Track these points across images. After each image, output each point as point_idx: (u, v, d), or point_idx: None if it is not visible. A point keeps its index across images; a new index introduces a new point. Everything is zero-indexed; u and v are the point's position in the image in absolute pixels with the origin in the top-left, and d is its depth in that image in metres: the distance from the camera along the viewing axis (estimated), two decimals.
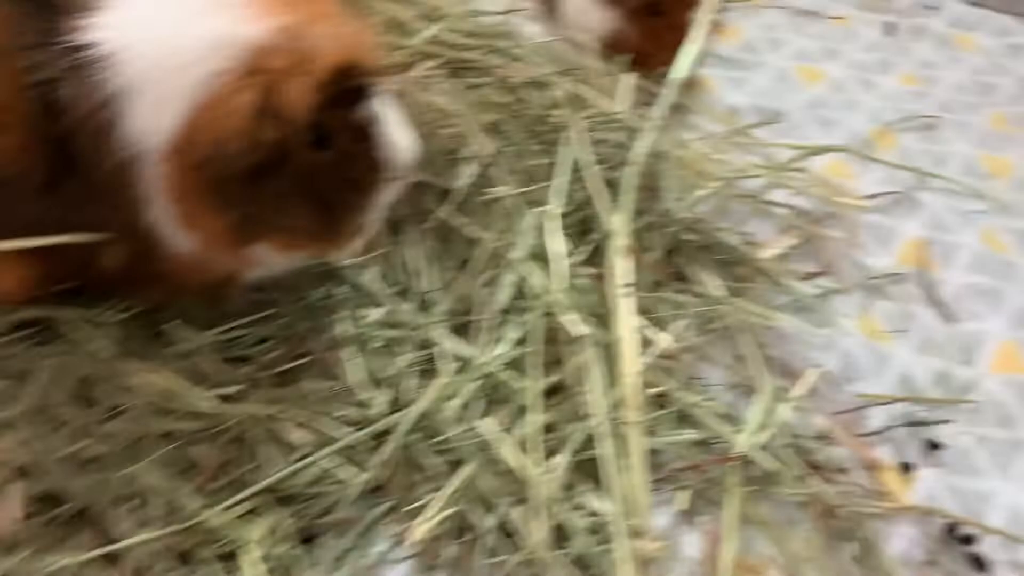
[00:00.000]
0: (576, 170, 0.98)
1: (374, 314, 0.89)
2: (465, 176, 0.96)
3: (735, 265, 1.01)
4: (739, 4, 1.44)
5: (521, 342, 0.88)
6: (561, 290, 0.90)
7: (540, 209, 0.94)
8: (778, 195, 1.11)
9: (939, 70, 1.41)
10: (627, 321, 0.87)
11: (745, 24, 1.43)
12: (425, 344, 0.88)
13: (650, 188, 1.00)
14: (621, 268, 0.91)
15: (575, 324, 0.87)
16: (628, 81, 1.09)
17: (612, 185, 0.98)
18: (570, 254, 0.93)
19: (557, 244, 0.92)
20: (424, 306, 0.91)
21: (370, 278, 0.92)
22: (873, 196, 1.15)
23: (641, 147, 0.99)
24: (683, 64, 1.06)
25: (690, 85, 1.23)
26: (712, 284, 0.98)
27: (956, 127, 1.29)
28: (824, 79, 1.35)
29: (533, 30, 1.22)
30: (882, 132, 1.26)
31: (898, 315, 1.03)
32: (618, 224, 0.93)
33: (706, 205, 1.06)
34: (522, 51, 1.11)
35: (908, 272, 1.07)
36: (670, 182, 1.02)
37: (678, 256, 1.00)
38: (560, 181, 0.96)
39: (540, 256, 0.92)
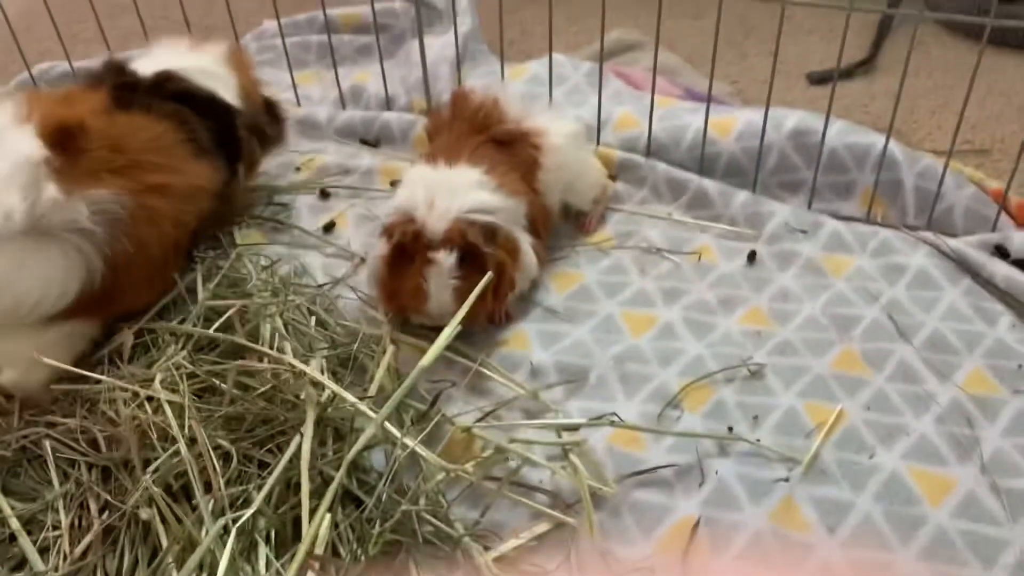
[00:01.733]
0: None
1: None
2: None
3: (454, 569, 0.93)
4: (587, 247, 1.42)
5: None
6: None
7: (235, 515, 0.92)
8: (539, 476, 1.03)
9: (793, 303, 1.29)
10: None
11: (588, 270, 1.38)
12: None
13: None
14: None
15: None
16: (385, 360, 1.08)
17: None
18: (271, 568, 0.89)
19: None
20: None
21: None
22: (647, 471, 1.03)
23: (356, 446, 0.95)
24: (438, 344, 1.03)
25: (498, 343, 1.23)
26: None
27: (788, 372, 1.17)
28: (653, 326, 1.26)
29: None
30: (696, 388, 1.15)
31: None
32: (313, 533, 0.88)
33: (454, 490, 1.01)
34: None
35: (664, 565, 0.93)
36: (412, 471, 0.98)
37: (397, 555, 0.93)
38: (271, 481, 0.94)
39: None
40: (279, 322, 1.10)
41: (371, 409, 0.98)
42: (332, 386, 0.98)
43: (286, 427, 1.00)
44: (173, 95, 1.21)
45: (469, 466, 0.99)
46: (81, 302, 1.02)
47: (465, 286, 1.15)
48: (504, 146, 1.32)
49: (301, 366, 1.01)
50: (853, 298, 1.30)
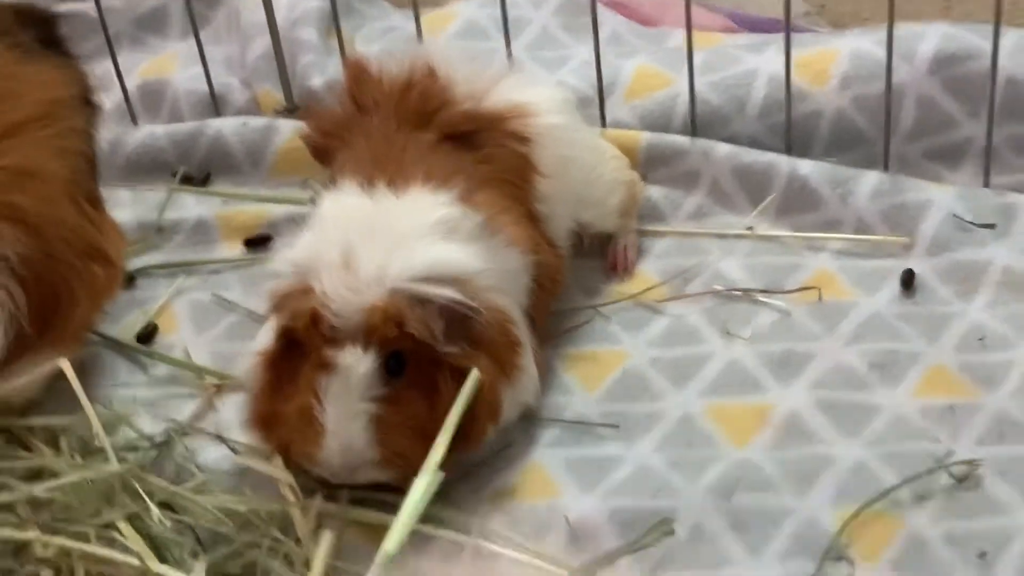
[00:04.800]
0: None
1: None
2: None
3: None
4: (623, 303, 1.43)
5: None
6: None
7: None
8: None
9: (999, 350, 1.31)
10: None
11: (632, 341, 1.39)
12: None
13: None
14: None
15: None
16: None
17: None
18: None
19: None
20: None
21: None
22: None
23: None
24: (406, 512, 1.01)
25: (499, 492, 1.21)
26: None
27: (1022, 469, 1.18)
28: (766, 423, 1.26)
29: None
30: (867, 520, 1.14)
31: None
32: None
33: None
34: None
35: None
36: None
37: None
38: None
39: None
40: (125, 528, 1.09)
41: None
42: None
43: None
44: None
45: None
46: None
47: (394, 416, 1.13)
48: (467, 143, 1.33)
49: None
50: None
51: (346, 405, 1.13)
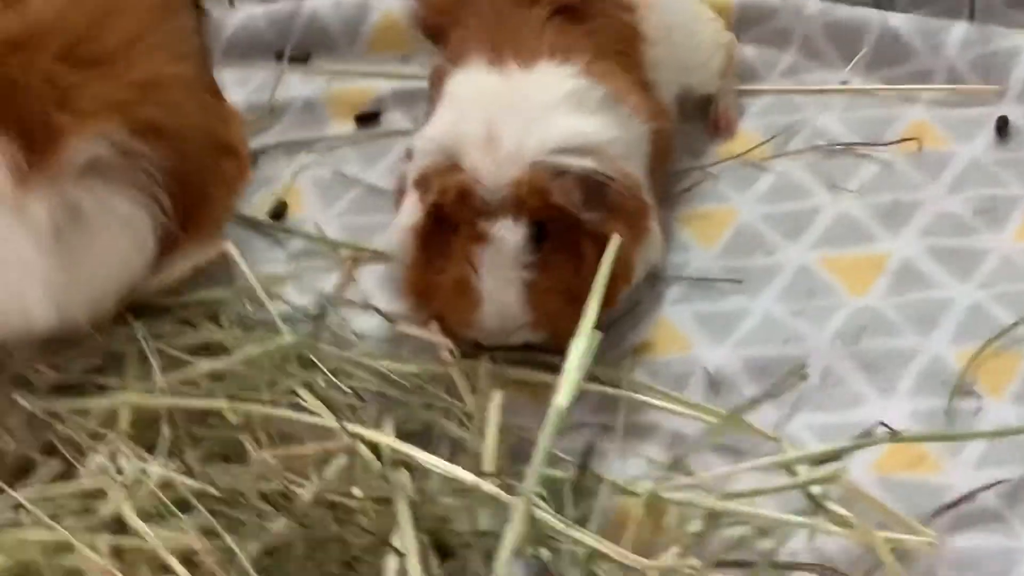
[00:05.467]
0: None
1: None
2: None
3: None
4: (727, 163, 1.49)
5: None
6: None
7: None
8: (794, 546, 1.09)
9: None
10: None
11: (741, 199, 1.44)
12: None
13: None
14: None
15: None
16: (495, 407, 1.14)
17: None
18: None
19: None
20: None
21: None
22: (959, 502, 1.11)
23: (503, 552, 1.00)
24: (571, 368, 1.08)
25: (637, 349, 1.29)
26: None
27: None
28: (882, 271, 1.33)
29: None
30: (989, 356, 1.23)
31: None
32: None
33: None
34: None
35: None
36: None
37: None
38: None
39: None
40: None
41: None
42: (436, 463, 1.04)
43: (358, 549, 1.06)
44: None
45: (671, 554, 1.05)
46: None
47: (543, 281, 1.19)
48: (576, 16, 1.35)
49: (376, 436, 1.07)
50: None
51: (501, 273, 1.19)
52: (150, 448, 1.13)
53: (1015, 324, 1.25)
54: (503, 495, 1.03)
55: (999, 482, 1.13)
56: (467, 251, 1.20)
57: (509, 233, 1.19)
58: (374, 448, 1.11)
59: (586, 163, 1.21)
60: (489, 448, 1.12)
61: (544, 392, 1.20)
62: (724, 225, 1.42)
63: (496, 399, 1.15)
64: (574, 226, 1.21)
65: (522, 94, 1.25)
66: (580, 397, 1.21)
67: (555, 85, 1.26)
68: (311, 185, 1.53)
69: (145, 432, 1.16)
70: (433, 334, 1.24)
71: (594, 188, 1.22)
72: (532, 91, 1.25)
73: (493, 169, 1.20)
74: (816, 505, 1.11)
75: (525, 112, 1.23)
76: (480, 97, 1.26)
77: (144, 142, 1.21)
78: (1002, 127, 1.47)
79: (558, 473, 1.13)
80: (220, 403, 1.15)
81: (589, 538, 1.04)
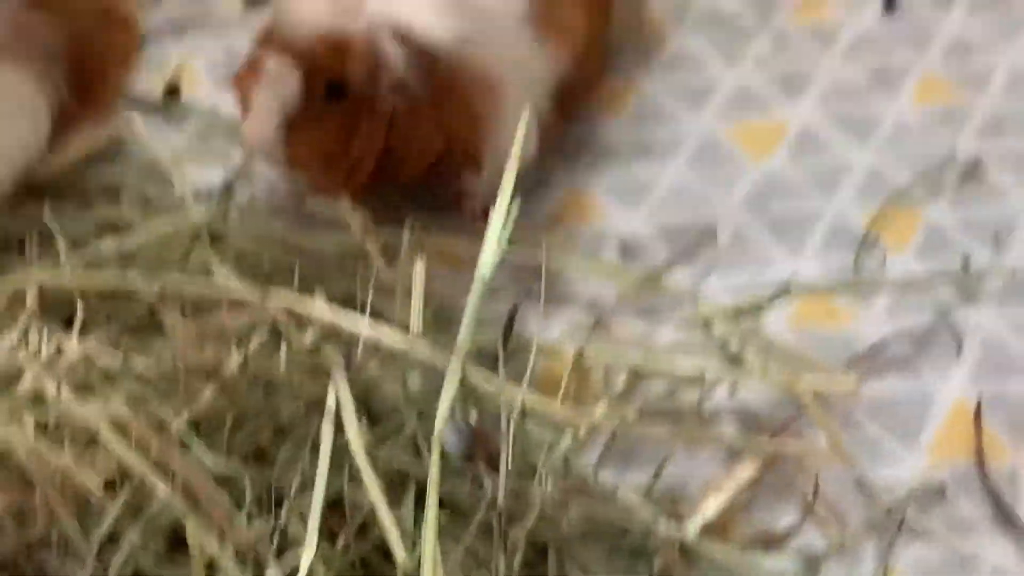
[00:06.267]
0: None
1: None
2: None
3: (644, 556, 1.02)
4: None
5: None
6: None
7: None
8: (714, 398, 1.12)
9: (982, 55, 1.43)
10: None
11: (640, 72, 1.45)
12: None
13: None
14: None
15: None
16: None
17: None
18: None
19: None
20: None
21: None
22: (873, 351, 1.16)
23: (441, 409, 1.00)
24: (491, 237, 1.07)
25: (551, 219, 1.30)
26: None
27: (1020, 162, 1.32)
28: (783, 137, 1.37)
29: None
30: (890, 214, 1.28)
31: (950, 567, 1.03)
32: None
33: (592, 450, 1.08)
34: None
35: (957, 473, 1.07)
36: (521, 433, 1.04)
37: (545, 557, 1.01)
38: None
39: None
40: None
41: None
42: (367, 327, 1.03)
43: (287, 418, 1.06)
44: None
45: (601, 408, 1.07)
46: None
47: (306, 132, 1.19)
48: None
49: (306, 304, 1.06)
50: None
51: (264, 101, 1.19)
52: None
53: (912, 185, 1.30)
54: (436, 357, 1.04)
55: (907, 332, 1.17)
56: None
57: (279, 72, 1.18)
58: (298, 318, 1.10)
59: (412, 46, 1.19)
60: (416, 312, 1.11)
61: (459, 261, 1.24)
62: (627, 97, 1.43)
63: (420, 266, 1.14)
64: (369, 98, 1.19)
65: None
66: (501, 265, 1.23)
67: None
68: (203, 65, 1.49)
69: (54, 315, 1.13)
70: (345, 208, 1.23)
71: (424, 61, 1.19)
72: None
73: (314, 14, 1.19)
74: (735, 359, 1.15)
75: None
76: None
77: (35, 15, 1.17)
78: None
79: (485, 337, 1.14)
80: (134, 278, 1.12)
81: (523, 395, 1.05)
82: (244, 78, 1.23)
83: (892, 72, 1.43)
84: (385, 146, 1.21)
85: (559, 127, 1.33)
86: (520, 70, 1.28)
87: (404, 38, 1.18)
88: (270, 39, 1.21)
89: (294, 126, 1.19)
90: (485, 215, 1.22)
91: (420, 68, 1.19)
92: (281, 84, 1.18)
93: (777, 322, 1.19)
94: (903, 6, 1.51)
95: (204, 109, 1.42)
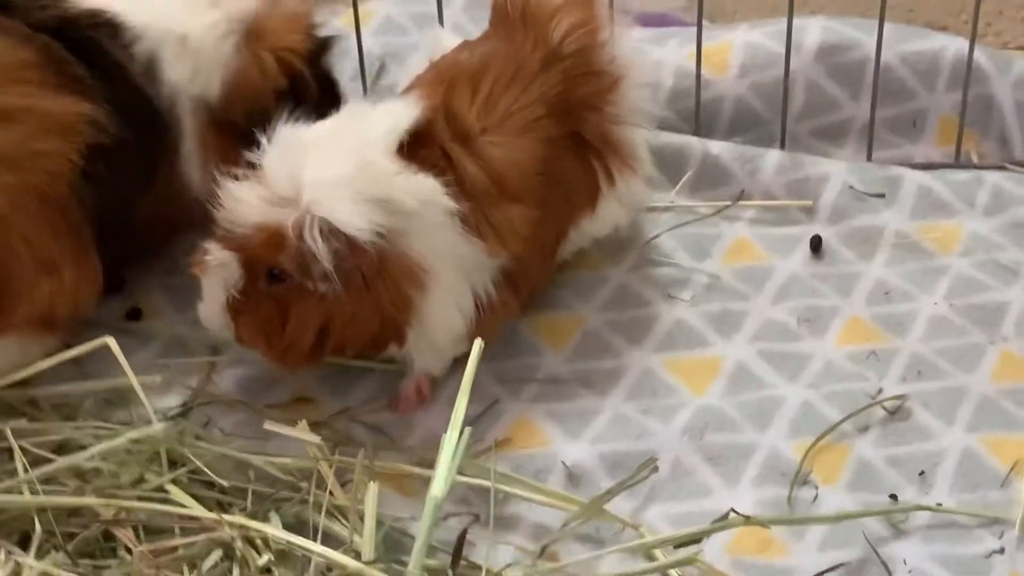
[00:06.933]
0: None
1: None
2: None
3: None
4: (569, 272, 1.55)
5: None
6: None
7: None
8: None
9: (903, 301, 1.51)
10: None
11: (584, 307, 1.52)
12: None
13: None
14: None
15: None
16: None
17: None
18: None
19: None
20: None
21: None
22: None
23: None
24: (444, 460, 1.11)
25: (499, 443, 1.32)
26: None
27: (940, 401, 1.38)
28: (719, 372, 1.42)
29: None
30: (821, 449, 1.32)
31: None
32: None
33: None
34: None
35: None
36: None
37: None
38: None
39: None
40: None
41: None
42: (322, 551, 1.04)
43: None
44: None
45: None
46: None
47: (251, 312, 1.29)
48: None
49: (261, 527, 1.06)
50: (982, 279, 1.54)
51: (211, 290, 1.31)
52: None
53: (842, 420, 1.35)
54: None
55: (840, 565, 1.21)
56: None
57: (220, 260, 1.28)
58: (251, 541, 1.12)
59: (339, 239, 1.25)
60: (368, 537, 1.14)
61: (410, 484, 1.26)
62: (572, 330, 1.49)
63: (372, 490, 1.17)
64: (301, 284, 1.28)
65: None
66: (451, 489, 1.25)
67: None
68: (163, 290, 1.53)
69: (10, 528, 1.15)
70: (301, 430, 1.26)
71: (340, 260, 1.25)
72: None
73: (250, 208, 1.27)
74: None
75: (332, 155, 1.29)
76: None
77: None
78: (816, 244, 1.60)
79: (434, 562, 1.16)
80: (90, 499, 1.14)
81: None
82: (197, 266, 1.32)
83: (821, 314, 1.50)
84: (322, 326, 1.30)
85: (511, 307, 1.41)
86: (449, 258, 1.35)
87: (332, 231, 1.24)
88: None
89: (239, 308, 1.30)
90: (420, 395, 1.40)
91: (346, 259, 1.26)
92: (223, 271, 1.28)
93: (716, 550, 1.22)
94: (829, 253, 1.59)
95: (165, 330, 1.47)
